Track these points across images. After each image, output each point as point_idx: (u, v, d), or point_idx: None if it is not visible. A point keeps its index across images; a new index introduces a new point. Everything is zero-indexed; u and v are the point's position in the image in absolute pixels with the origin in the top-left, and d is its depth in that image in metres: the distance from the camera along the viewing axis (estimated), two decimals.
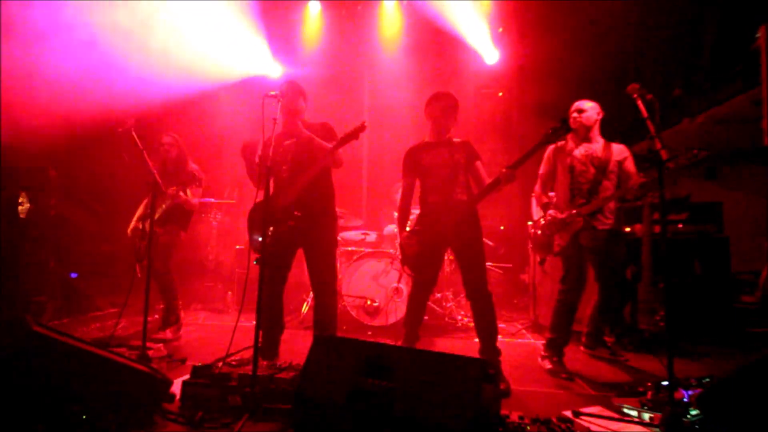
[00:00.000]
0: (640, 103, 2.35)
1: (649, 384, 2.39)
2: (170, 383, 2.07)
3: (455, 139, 2.83)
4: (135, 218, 3.54)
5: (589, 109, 2.98)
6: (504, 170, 2.48)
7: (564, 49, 5.08)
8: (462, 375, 1.35)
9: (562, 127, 2.42)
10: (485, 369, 1.34)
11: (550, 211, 2.92)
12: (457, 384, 1.33)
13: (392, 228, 4.50)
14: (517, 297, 5.25)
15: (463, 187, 2.73)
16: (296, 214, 2.64)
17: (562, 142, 3.04)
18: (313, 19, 5.83)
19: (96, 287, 4.60)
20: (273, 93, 2.42)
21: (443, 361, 1.42)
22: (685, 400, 1.99)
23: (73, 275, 4.61)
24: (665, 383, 2.26)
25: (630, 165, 2.95)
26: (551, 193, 3.11)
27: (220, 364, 2.24)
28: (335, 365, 1.59)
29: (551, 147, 3.05)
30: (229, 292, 4.74)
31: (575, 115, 2.98)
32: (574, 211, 2.85)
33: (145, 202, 3.58)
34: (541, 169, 3.11)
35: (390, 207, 4.72)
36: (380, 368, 1.47)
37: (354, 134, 2.57)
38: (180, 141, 3.55)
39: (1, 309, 2.96)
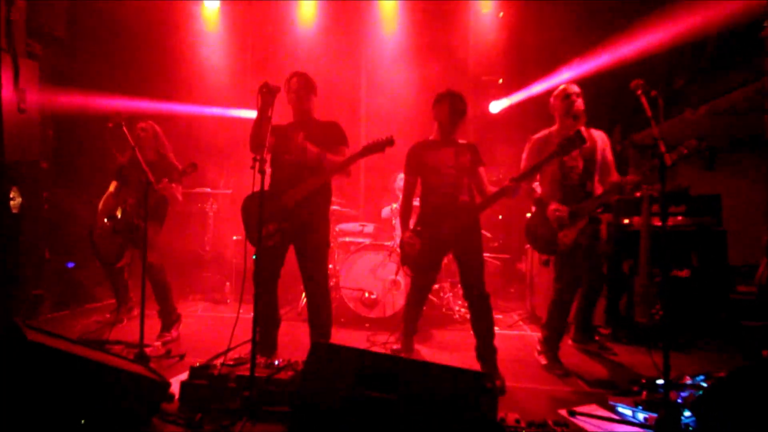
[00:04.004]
0: (644, 100, 2.30)
1: (644, 381, 2.43)
2: (168, 385, 2.08)
3: (461, 141, 2.78)
4: (99, 215, 3.41)
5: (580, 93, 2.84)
6: (509, 183, 2.50)
7: (566, 36, 4.97)
8: (461, 388, 1.35)
9: (576, 138, 2.38)
10: (484, 383, 1.34)
11: (554, 207, 2.75)
12: (455, 398, 1.34)
13: (389, 210, 4.47)
14: (514, 285, 5.29)
15: (466, 189, 2.71)
16: (286, 222, 2.61)
17: (546, 132, 2.91)
18: (308, 6, 5.67)
19: (93, 276, 4.58)
20: (268, 87, 2.35)
21: (442, 373, 1.42)
22: (680, 401, 2.02)
23: (70, 265, 4.58)
24: (660, 382, 2.29)
25: (609, 154, 2.89)
26: (535, 183, 3.00)
27: (219, 364, 2.25)
28: (333, 374, 1.59)
29: (535, 138, 2.92)
30: (227, 283, 4.74)
31: (577, 99, 2.79)
32: (581, 206, 2.76)
33: (105, 197, 3.45)
34: (525, 163, 2.88)
35: (389, 197, 4.69)
36: (378, 379, 1.47)
37: (379, 147, 2.49)
38: (156, 127, 3.41)
39: None
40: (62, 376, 1.69)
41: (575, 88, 2.84)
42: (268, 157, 2.75)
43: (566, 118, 2.80)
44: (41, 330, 2.02)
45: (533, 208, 2.96)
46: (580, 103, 2.80)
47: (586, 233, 2.84)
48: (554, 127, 2.91)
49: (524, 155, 2.94)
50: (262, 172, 2.01)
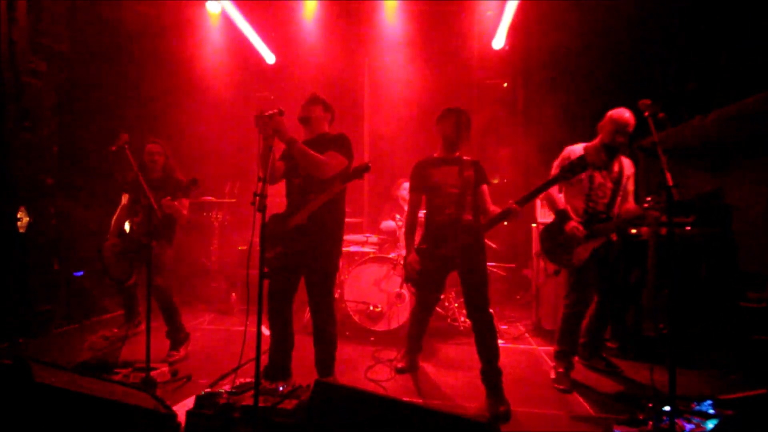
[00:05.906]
0: (651, 122, 2.26)
1: (651, 406, 2.40)
2: (174, 416, 2.09)
3: (465, 158, 2.78)
4: (112, 230, 3.44)
5: None
6: (512, 206, 2.50)
7: (574, 37, 4.87)
8: None
9: (579, 164, 2.38)
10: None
11: (573, 224, 2.79)
12: None
13: (390, 223, 4.45)
14: (519, 292, 5.26)
15: (470, 208, 2.70)
16: (288, 246, 2.59)
17: (582, 146, 2.93)
18: (311, 8, 5.60)
19: (102, 286, 4.60)
20: (264, 118, 2.29)
21: (445, 422, 1.42)
22: None
23: (78, 274, 4.62)
24: (666, 408, 2.27)
25: (631, 184, 2.94)
26: (560, 195, 3.01)
27: (225, 392, 2.26)
28: (337, 416, 1.59)
29: (569, 149, 2.94)
30: (233, 294, 4.76)
31: (630, 130, 2.78)
32: (599, 228, 2.81)
33: (119, 211, 3.48)
34: (554, 172, 2.93)
35: (392, 205, 4.67)
36: (380, 425, 1.47)
37: (356, 174, 2.48)
38: (167, 147, 3.42)
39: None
40: (69, 416, 1.71)
41: (630, 118, 2.79)
42: (282, 183, 2.74)
43: (612, 138, 2.79)
44: (48, 364, 2.05)
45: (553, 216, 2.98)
46: (626, 139, 2.82)
47: (601, 253, 2.85)
48: (593, 143, 2.90)
49: (556, 163, 2.97)
50: (262, 209, 1.97)
